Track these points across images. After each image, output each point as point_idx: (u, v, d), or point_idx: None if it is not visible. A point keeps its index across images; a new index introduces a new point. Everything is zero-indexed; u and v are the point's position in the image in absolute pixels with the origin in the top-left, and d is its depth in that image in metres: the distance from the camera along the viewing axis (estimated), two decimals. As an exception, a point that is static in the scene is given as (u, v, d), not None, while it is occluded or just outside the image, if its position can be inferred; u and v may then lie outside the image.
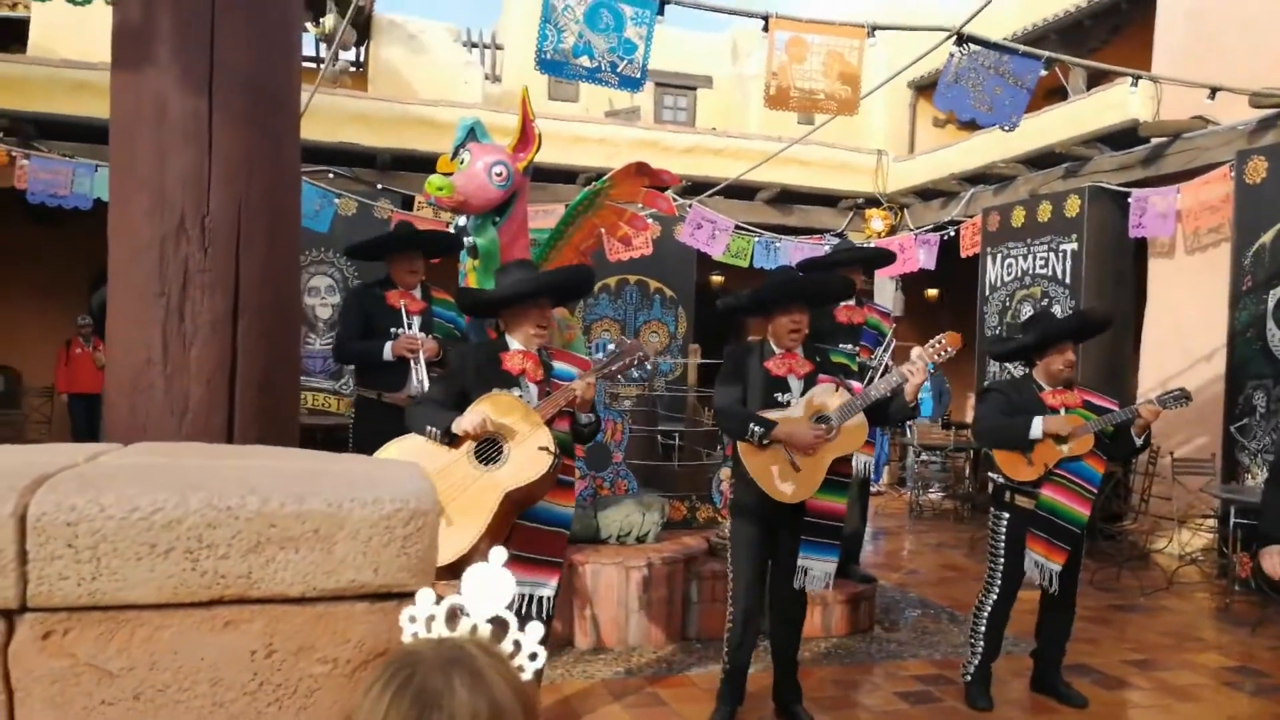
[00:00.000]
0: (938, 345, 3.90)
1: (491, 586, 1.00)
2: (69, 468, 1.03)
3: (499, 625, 0.98)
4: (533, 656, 0.97)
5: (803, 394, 3.90)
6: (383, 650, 1.02)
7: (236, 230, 1.89)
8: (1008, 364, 8.58)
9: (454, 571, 3.10)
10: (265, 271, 1.93)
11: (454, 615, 0.97)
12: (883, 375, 4.57)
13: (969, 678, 4.35)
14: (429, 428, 3.22)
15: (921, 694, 4.45)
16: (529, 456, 3.19)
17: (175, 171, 1.86)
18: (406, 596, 1.02)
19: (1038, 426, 4.16)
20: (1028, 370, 4.43)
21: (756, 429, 3.73)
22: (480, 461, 3.21)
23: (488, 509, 3.10)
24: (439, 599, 0.97)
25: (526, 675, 0.95)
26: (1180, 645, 5.38)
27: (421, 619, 0.96)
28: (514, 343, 3.53)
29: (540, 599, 3.40)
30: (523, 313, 3.50)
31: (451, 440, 3.21)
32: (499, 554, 1.05)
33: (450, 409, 3.30)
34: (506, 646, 0.96)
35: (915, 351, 3.87)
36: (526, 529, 3.38)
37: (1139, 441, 4.28)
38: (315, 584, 0.98)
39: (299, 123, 2.13)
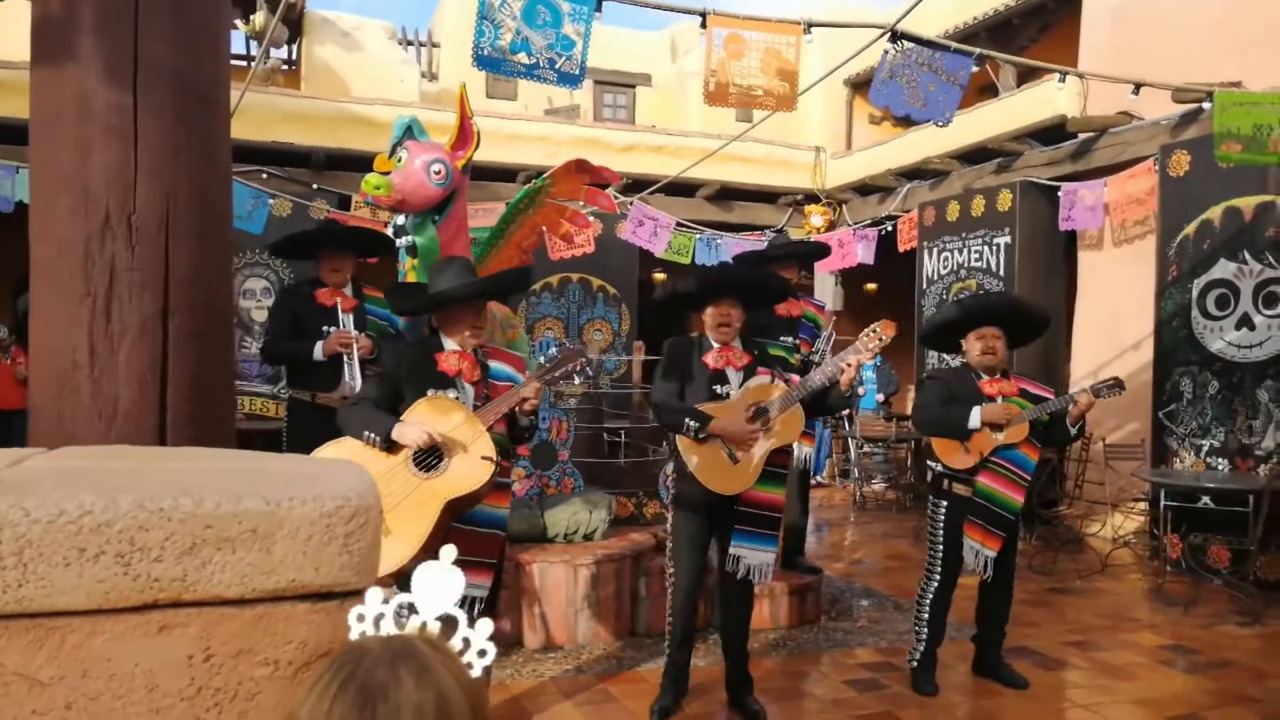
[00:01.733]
0: (872, 334, 3.94)
1: (441, 584, 0.99)
2: (-10, 473, 0.99)
3: (448, 623, 0.96)
4: (481, 653, 0.96)
5: (741, 386, 3.93)
6: (326, 651, 1.00)
7: (165, 227, 1.83)
8: (944, 354, 8.74)
9: (393, 579, 3.06)
10: (196, 269, 1.88)
11: (402, 614, 0.95)
12: (818, 367, 4.61)
13: (915, 664, 4.42)
14: (367, 432, 3.14)
15: (869, 681, 4.51)
16: (470, 465, 3.14)
17: (99, 168, 1.79)
18: (350, 595, 1.00)
19: (976, 416, 4.24)
20: (964, 360, 4.52)
21: (692, 424, 3.75)
22: (419, 469, 3.16)
23: (428, 519, 3.04)
24: (388, 598, 0.96)
25: (475, 672, 0.94)
26: (1116, 626, 5.52)
27: (370, 617, 0.94)
28: (449, 343, 3.47)
29: (473, 600, 3.36)
30: (458, 313, 3.45)
31: (390, 446, 3.15)
32: (449, 551, 1.03)
33: (385, 410, 3.24)
34: (455, 643, 0.95)
35: (851, 347, 3.92)
36: (462, 531, 3.32)
37: (1074, 430, 4.39)
38: (254, 585, 0.96)
39: (229, 118, 2.08)
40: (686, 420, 3.76)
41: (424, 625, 0.95)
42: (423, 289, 3.70)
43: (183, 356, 1.85)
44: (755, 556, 3.97)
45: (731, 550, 3.95)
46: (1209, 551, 5.97)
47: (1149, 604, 6.07)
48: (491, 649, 0.96)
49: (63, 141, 1.81)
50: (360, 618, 0.94)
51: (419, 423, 3.15)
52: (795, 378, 4.03)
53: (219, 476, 1.03)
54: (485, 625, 0.97)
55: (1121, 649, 5.06)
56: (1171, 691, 4.45)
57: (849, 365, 3.82)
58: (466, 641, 0.95)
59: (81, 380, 1.77)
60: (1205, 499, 6.18)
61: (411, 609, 0.96)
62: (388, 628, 0.93)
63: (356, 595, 1.01)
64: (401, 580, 3.04)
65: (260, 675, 0.97)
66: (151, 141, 1.83)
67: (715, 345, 3.96)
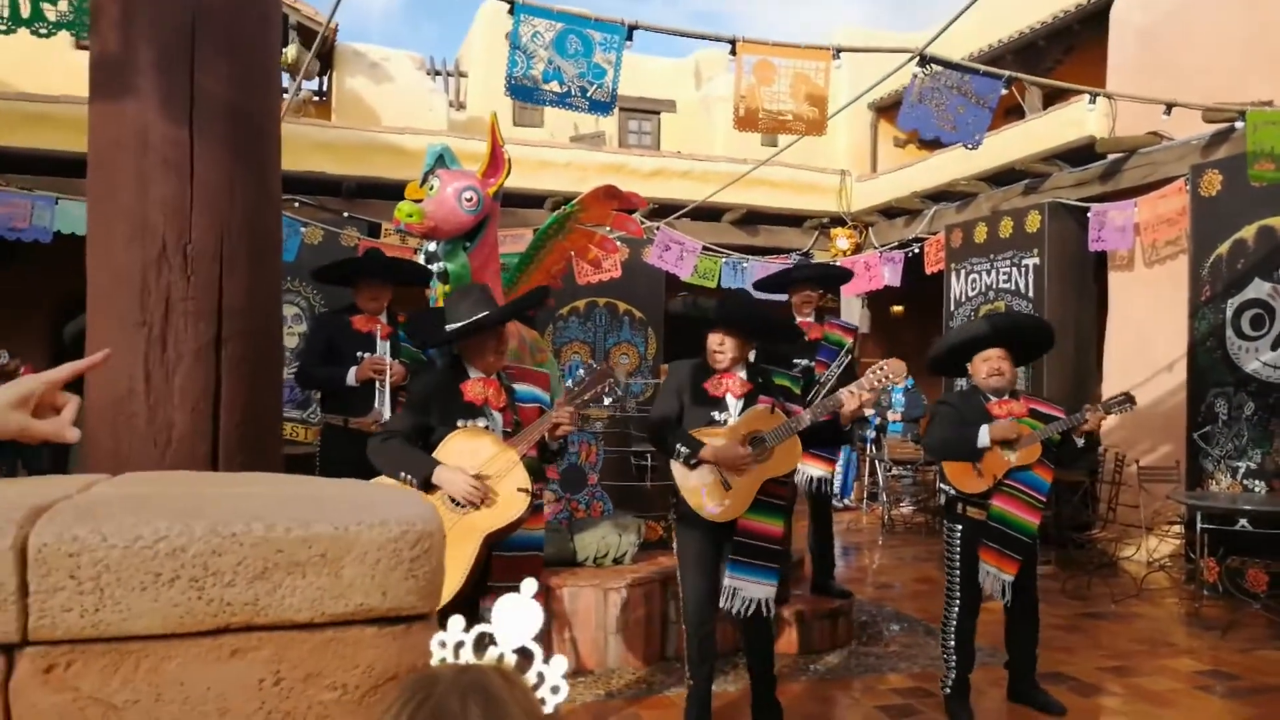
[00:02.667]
0: (879, 372, 3.92)
1: (520, 617, 1.00)
2: (65, 499, 1.01)
3: (524, 656, 0.97)
4: (555, 690, 0.97)
5: (740, 414, 3.91)
6: (392, 675, 1.01)
7: (219, 257, 1.87)
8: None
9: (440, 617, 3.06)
10: (249, 298, 1.92)
11: (482, 644, 0.96)
12: (829, 393, 4.60)
13: (948, 690, 4.37)
14: (404, 474, 3.12)
15: (902, 707, 4.46)
16: (507, 498, 3.14)
17: (157, 200, 1.84)
18: (415, 620, 1.02)
19: (984, 435, 4.21)
20: (973, 384, 4.49)
21: (683, 449, 3.75)
22: (456, 504, 3.17)
23: (468, 554, 3.05)
24: (469, 626, 0.97)
25: (548, 709, 0.95)
26: (1153, 651, 5.44)
27: (450, 644, 0.96)
28: (474, 371, 3.46)
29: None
30: (479, 341, 3.43)
31: (427, 489, 3.11)
32: (530, 585, 1.05)
33: (416, 443, 3.22)
34: (530, 678, 0.96)
35: (856, 383, 3.91)
36: (504, 559, 3.33)
37: (1080, 443, 4.33)
38: (323, 609, 0.97)
39: (279, 150, 2.13)
40: (677, 446, 3.77)
41: (501, 657, 0.96)
42: (439, 317, 3.69)
43: (234, 384, 1.89)
44: (753, 589, 3.88)
45: (727, 582, 3.89)
46: (1247, 575, 5.88)
47: (1186, 628, 5.98)
48: (565, 686, 0.97)
49: (121, 174, 1.86)
50: (442, 644, 0.96)
51: (459, 470, 3.12)
52: (797, 408, 3.99)
53: (285, 502, 1.06)
54: (560, 662, 0.98)
55: (1159, 674, 4.98)
56: (1210, 717, 4.38)
57: (850, 398, 3.80)
58: (541, 677, 0.97)
59: (137, 407, 1.81)
60: (1242, 521, 6.09)
61: (491, 640, 0.97)
62: (467, 656, 0.95)
63: (422, 620, 1.03)
64: (443, 615, 3.04)
65: (328, 699, 0.98)
66: (207, 174, 1.88)
67: (716, 371, 3.96)
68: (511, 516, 3.12)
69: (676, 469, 3.84)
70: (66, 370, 1.17)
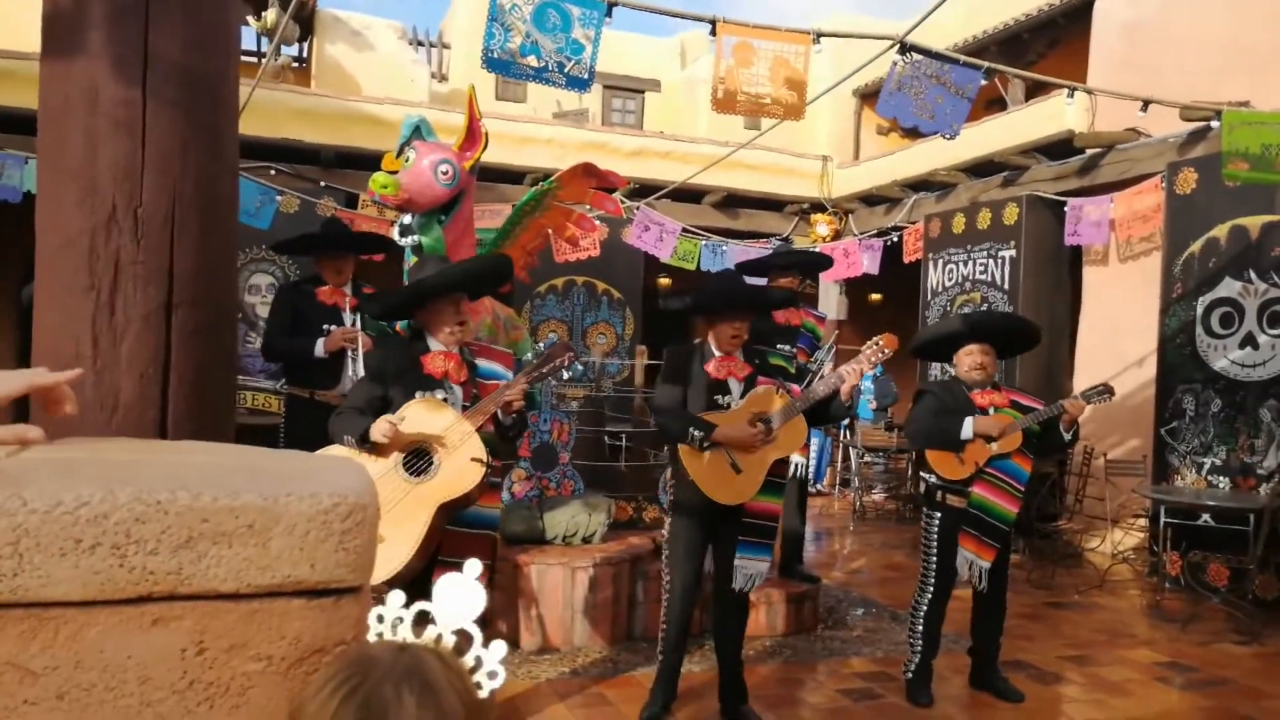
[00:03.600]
0: (875, 347, 3.98)
1: (462, 597, 0.99)
2: (-10, 462, 0.99)
3: (463, 638, 0.96)
4: (492, 675, 0.96)
5: (742, 396, 3.93)
6: (320, 647, 1.00)
7: (170, 222, 1.84)
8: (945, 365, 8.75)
9: (388, 584, 3.05)
10: (200, 263, 1.88)
11: (422, 621, 0.95)
12: (820, 377, 4.63)
13: (910, 675, 4.42)
14: (346, 436, 3.15)
15: (864, 691, 4.51)
16: (461, 468, 3.13)
17: (107, 161, 1.80)
18: (346, 593, 1.00)
19: (968, 427, 4.25)
20: (955, 373, 4.54)
21: (697, 433, 3.75)
22: (410, 473, 3.15)
23: (421, 523, 3.04)
24: (409, 602, 0.96)
25: (484, 693, 0.94)
26: (1113, 641, 5.52)
27: (389, 620, 0.95)
28: (434, 343, 3.45)
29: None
30: (438, 310, 3.41)
31: (372, 448, 3.12)
32: (474, 566, 1.04)
33: (372, 414, 3.20)
34: (468, 661, 0.95)
35: (854, 359, 3.96)
36: (454, 534, 3.32)
37: (1067, 437, 4.40)
38: (249, 580, 0.96)
39: (237, 114, 2.09)
40: (691, 429, 3.76)
41: (439, 638, 0.95)
42: (395, 295, 3.67)
43: (185, 351, 1.86)
44: (754, 566, 4.00)
45: (737, 562, 3.96)
46: (1208, 569, 5.96)
47: (1147, 620, 6.06)
48: (502, 672, 0.96)
49: (70, 134, 1.82)
50: (380, 619, 0.95)
51: (383, 418, 3.12)
52: (796, 388, 4.05)
53: (216, 471, 1.04)
54: (499, 647, 0.97)
55: (1118, 665, 5.05)
56: (1167, 708, 4.45)
57: (851, 373, 3.84)
58: (479, 660, 0.96)
59: (84, 372, 1.77)
60: (1206, 517, 6.17)
61: (430, 619, 0.96)
62: (404, 633, 0.94)
63: (352, 593, 1.01)
64: (391, 583, 3.04)
65: (253, 670, 0.97)
66: (158, 136, 1.84)
67: (717, 354, 3.97)
68: (466, 486, 3.11)
69: (687, 454, 3.83)
70: (21, 384, 1.13)
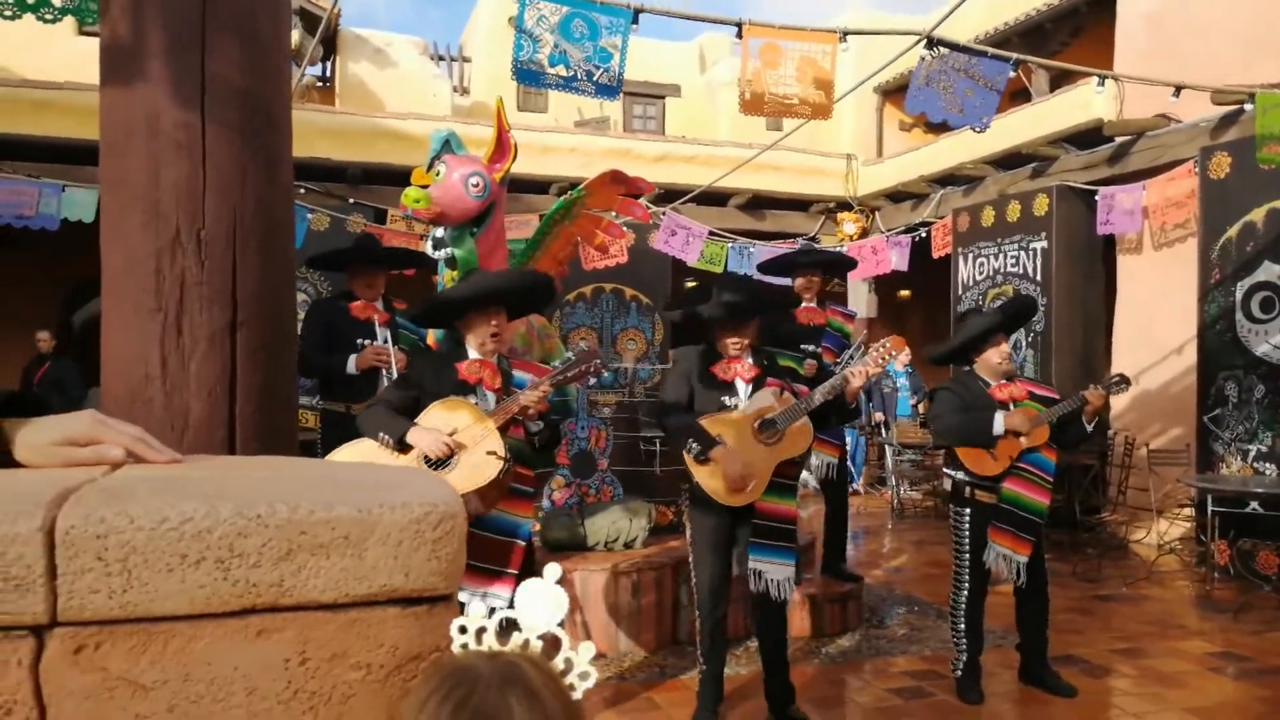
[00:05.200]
0: (882, 349, 3.96)
1: (545, 601, 1.01)
2: (89, 482, 1.02)
3: (550, 641, 0.98)
4: (584, 676, 0.97)
5: (749, 398, 3.93)
6: (416, 654, 1.01)
7: (232, 242, 1.87)
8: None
9: None
10: (262, 283, 1.92)
11: (504, 629, 0.97)
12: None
13: (959, 673, 4.39)
14: (382, 434, 3.20)
15: (913, 689, 4.48)
16: (479, 461, 3.17)
17: (169, 184, 1.84)
18: (438, 600, 1.02)
19: (999, 423, 4.23)
20: (969, 368, 4.50)
21: (694, 445, 3.77)
22: (430, 467, 3.19)
23: None
24: (491, 611, 0.97)
25: (577, 694, 0.95)
26: (1164, 633, 5.45)
27: (472, 630, 0.96)
28: (471, 351, 3.52)
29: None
30: (476, 319, 3.49)
31: (403, 448, 3.20)
32: (553, 570, 1.05)
33: (402, 414, 3.29)
34: (558, 664, 0.96)
35: (860, 360, 3.96)
36: (476, 536, 3.34)
37: (1089, 428, 4.36)
38: (347, 590, 0.98)
39: (290, 135, 2.13)
40: (690, 441, 3.79)
41: (527, 643, 0.97)
42: (437, 299, 3.76)
43: (250, 369, 1.89)
44: (775, 570, 3.94)
45: (752, 564, 3.94)
46: (1258, 557, 5.88)
47: (1197, 611, 5.99)
48: (594, 673, 0.97)
49: (133, 159, 1.86)
50: (462, 629, 0.96)
51: (434, 429, 3.19)
52: (804, 389, 4.02)
53: (307, 484, 1.06)
54: (588, 647, 0.98)
55: (1170, 656, 4.99)
56: (1223, 699, 4.39)
57: (855, 375, 3.83)
58: (569, 662, 0.97)
59: (154, 393, 1.81)
60: (1254, 504, 6.08)
61: (514, 626, 0.98)
62: (489, 642, 0.95)
63: (445, 600, 1.03)
64: None
65: (353, 678, 0.99)
66: (218, 159, 1.88)
67: (724, 356, 3.98)
68: (483, 479, 3.14)
69: (687, 461, 3.86)
70: (123, 439, 1.17)
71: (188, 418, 1.82)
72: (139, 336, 1.83)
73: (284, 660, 0.95)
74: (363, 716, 0.98)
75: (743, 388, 3.96)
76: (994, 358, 4.39)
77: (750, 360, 3.99)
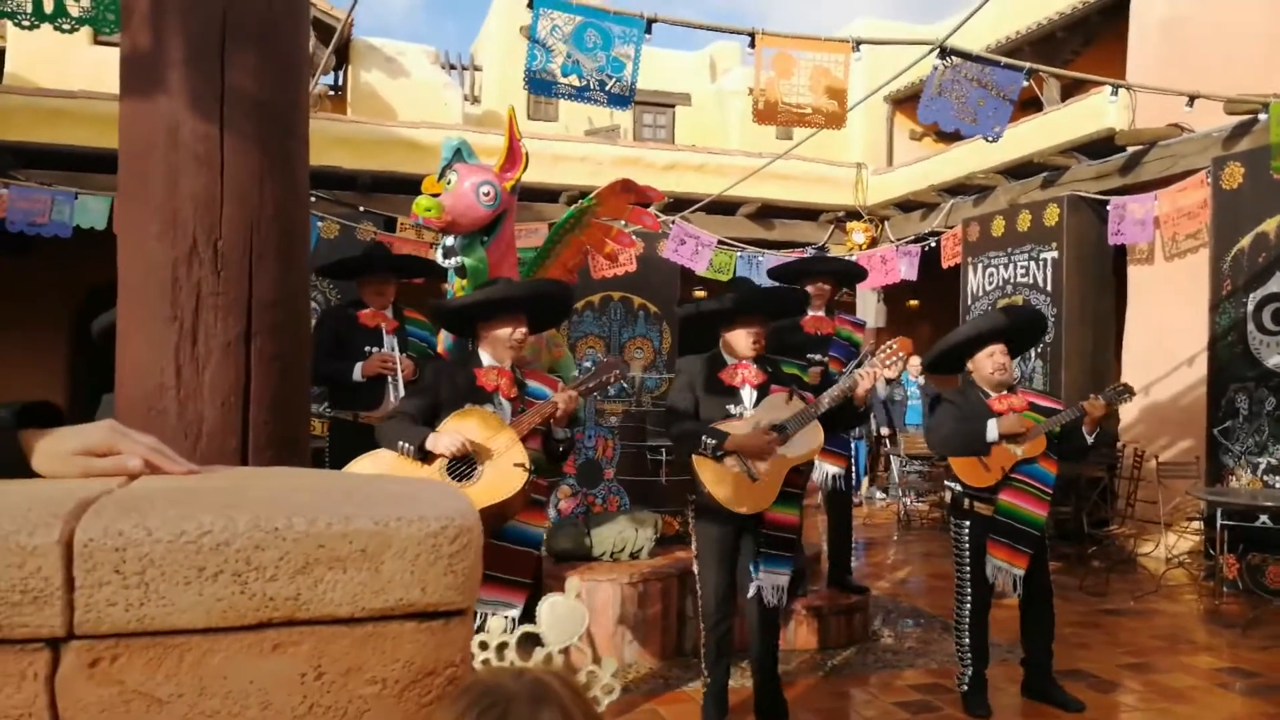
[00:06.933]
0: (889, 350, 3.95)
1: (566, 617, 1.01)
2: (106, 493, 1.02)
3: (569, 655, 0.98)
4: (608, 690, 0.97)
5: (755, 404, 3.92)
6: (431, 669, 1.01)
7: (248, 252, 1.88)
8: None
9: None
10: (277, 293, 1.93)
11: (525, 644, 0.97)
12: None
13: (965, 687, 4.37)
14: (402, 443, 3.19)
15: (920, 703, 4.46)
16: (503, 474, 3.17)
17: (187, 194, 1.85)
18: (454, 615, 1.02)
19: (993, 429, 4.20)
20: (971, 377, 4.48)
21: (709, 441, 3.74)
22: (453, 478, 3.19)
23: None
24: (511, 626, 0.97)
25: (602, 707, 0.96)
26: (1172, 647, 5.42)
27: (493, 645, 0.96)
28: (487, 359, 3.52)
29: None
30: (495, 326, 3.50)
31: (424, 457, 3.18)
32: (574, 584, 1.05)
33: (422, 424, 3.29)
34: (580, 678, 0.96)
35: (867, 362, 3.95)
36: (494, 547, 3.33)
37: (1090, 439, 4.32)
38: (364, 604, 0.98)
39: (308, 145, 2.14)
40: (704, 439, 3.75)
41: (549, 658, 0.97)
42: (457, 302, 3.78)
43: (263, 378, 1.90)
44: (776, 579, 3.96)
45: (760, 577, 3.93)
46: (1267, 571, 5.85)
47: (1205, 625, 5.95)
48: (618, 687, 0.97)
49: (152, 169, 1.87)
50: (483, 645, 0.96)
51: (451, 431, 3.19)
52: (811, 396, 4.01)
53: (324, 496, 1.06)
54: (610, 663, 0.98)
55: (1178, 671, 4.96)
56: (1230, 715, 4.36)
57: (865, 377, 3.83)
58: (592, 676, 0.97)
59: (168, 402, 1.82)
60: (1263, 518, 6.05)
61: (536, 640, 0.98)
62: (511, 657, 0.95)
63: (460, 615, 1.03)
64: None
65: (369, 693, 0.99)
66: (236, 170, 1.89)
67: (730, 362, 3.96)
68: (509, 491, 3.14)
69: (701, 464, 3.81)
70: (141, 450, 1.17)
71: (201, 426, 1.82)
72: (154, 345, 1.84)
73: (300, 674, 0.95)
74: (377, 731, 0.98)
75: (748, 395, 3.94)
76: (986, 366, 4.34)
77: (756, 366, 3.98)
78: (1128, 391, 4.35)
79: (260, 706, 0.94)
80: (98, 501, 0.97)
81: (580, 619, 0.81)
